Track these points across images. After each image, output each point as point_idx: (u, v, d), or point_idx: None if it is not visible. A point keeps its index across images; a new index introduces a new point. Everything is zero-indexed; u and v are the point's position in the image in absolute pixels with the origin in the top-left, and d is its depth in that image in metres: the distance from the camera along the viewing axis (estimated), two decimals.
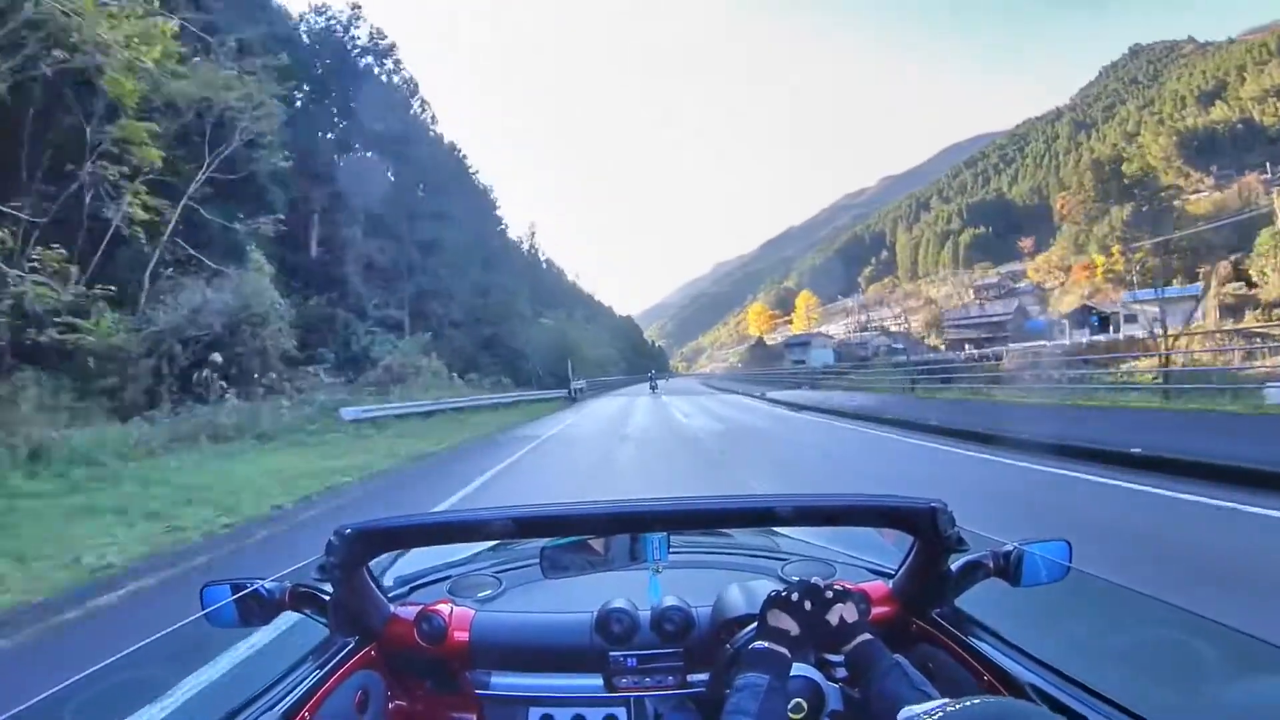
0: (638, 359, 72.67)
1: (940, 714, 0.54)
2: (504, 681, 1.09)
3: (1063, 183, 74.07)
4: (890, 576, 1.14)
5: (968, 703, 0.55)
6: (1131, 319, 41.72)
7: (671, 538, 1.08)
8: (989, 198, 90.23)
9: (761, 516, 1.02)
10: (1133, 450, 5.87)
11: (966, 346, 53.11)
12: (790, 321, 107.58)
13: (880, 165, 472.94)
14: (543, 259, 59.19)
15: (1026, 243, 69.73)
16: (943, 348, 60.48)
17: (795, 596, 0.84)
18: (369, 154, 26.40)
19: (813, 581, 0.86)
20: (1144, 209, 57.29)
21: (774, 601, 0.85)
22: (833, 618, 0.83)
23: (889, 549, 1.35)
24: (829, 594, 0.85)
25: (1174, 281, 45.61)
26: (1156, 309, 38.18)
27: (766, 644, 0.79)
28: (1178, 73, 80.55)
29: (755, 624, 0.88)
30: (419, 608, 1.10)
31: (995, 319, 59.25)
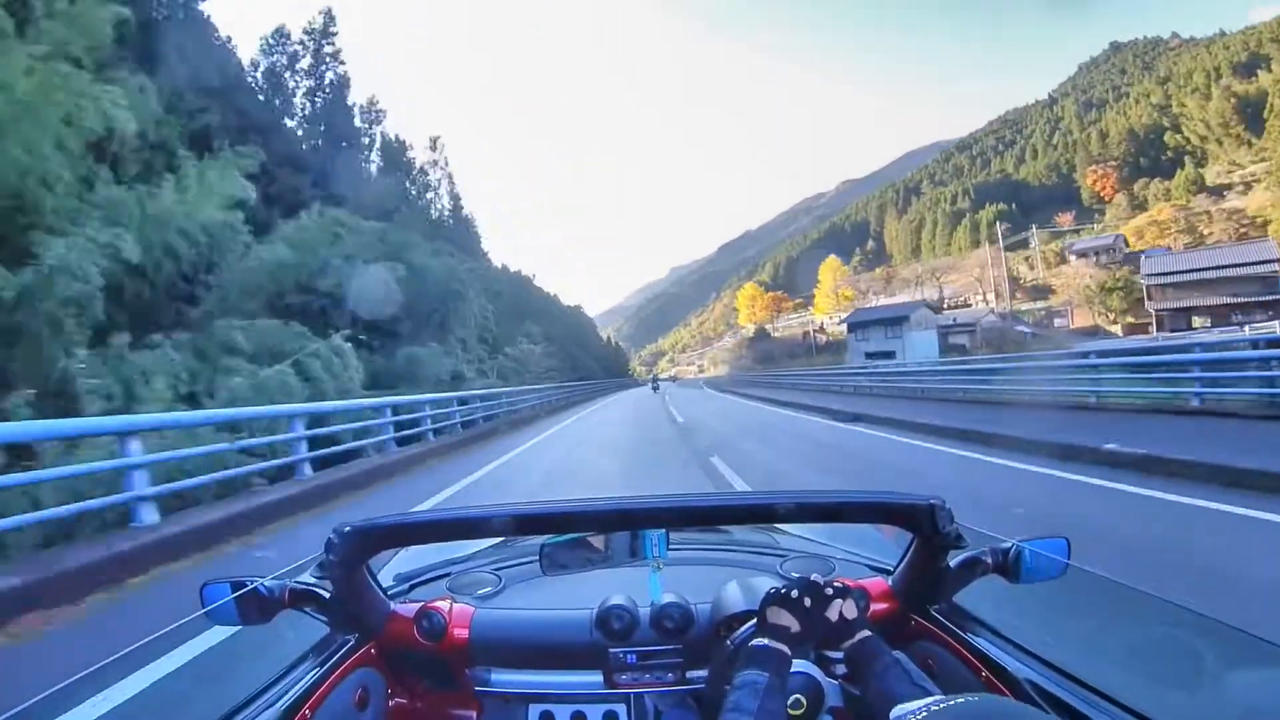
0: (592, 361, 55.96)
1: (925, 713, 0.54)
2: (504, 678, 1.08)
3: (1092, 156, 65.21)
4: (889, 573, 1.13)
5: (955, 701, 0.56)
6: None
7: (671, 535, 1.07)
8: (993, 179, 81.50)
9: (761, 513, 1.02)
10: None
11: (1197, 321, 33.60)
12: (808, 304, 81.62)
13: (839, 170, 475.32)
14: (394, 138, 33.53)
15: (1065, 218, 60.39)
16: (1120, 330, 41.40)
17: (795, 593, 0.83)
18: None
19: (812, 578, 0.86)
20: None
21: (773, 598, 0.84)
22: (832, 614, 0.83)
23: (888, 545, 1.33)
24: (828, 590, 0.84)
25: None
26: None
27: (766, 641, 0.79)
28: (1177, 60, 74.27)
29: (754, 621, 0.88)
30: (419, 605, 1.09)
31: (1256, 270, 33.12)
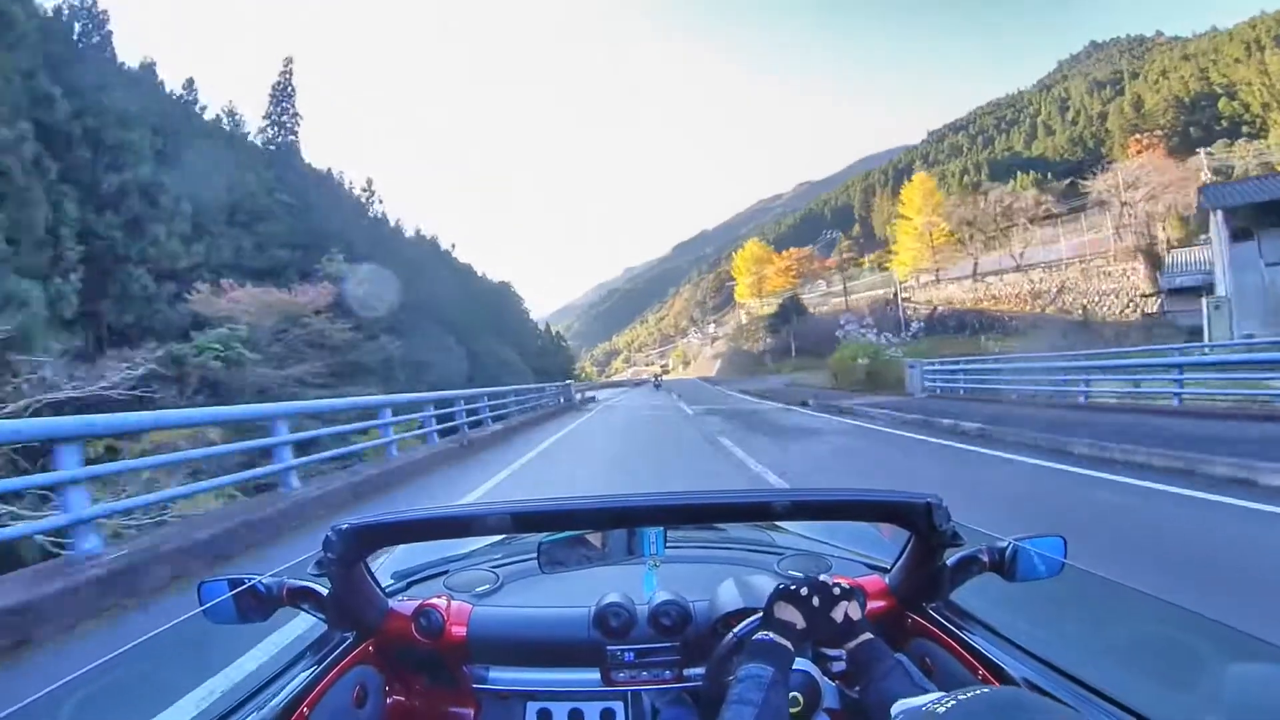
0: (514, 354, 39.40)
1: (952, 701, 0.52)
2: (502, 676, 1.08)
3: (1134, 126, 57.07)
4: (886, 571, 1.13)
5: (976, 691, 0.54)
6: None
7: (668, 532, 1.06)
8: (1000, 156, 72.96)
9: (759, 511, 1.02)
10: None
11: None
12: (846, 266, 54.89)
13: (796, 173, 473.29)
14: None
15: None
16: None
17: (804, 591, 0.84)
18: None
19: (820, 578, 0.86)
20: None
21: (781, 594, 0.84)
22: (838, 615, 0.83)
23: (885, 543, 1.32)
24: (836, 590, 0.84)
25: None
26: None
27: (770, 635, 0.79)
28: (1187, 46, 67.96)
29: (758, 615, 0.88)
30: (416, 603, 1.09)
31: None
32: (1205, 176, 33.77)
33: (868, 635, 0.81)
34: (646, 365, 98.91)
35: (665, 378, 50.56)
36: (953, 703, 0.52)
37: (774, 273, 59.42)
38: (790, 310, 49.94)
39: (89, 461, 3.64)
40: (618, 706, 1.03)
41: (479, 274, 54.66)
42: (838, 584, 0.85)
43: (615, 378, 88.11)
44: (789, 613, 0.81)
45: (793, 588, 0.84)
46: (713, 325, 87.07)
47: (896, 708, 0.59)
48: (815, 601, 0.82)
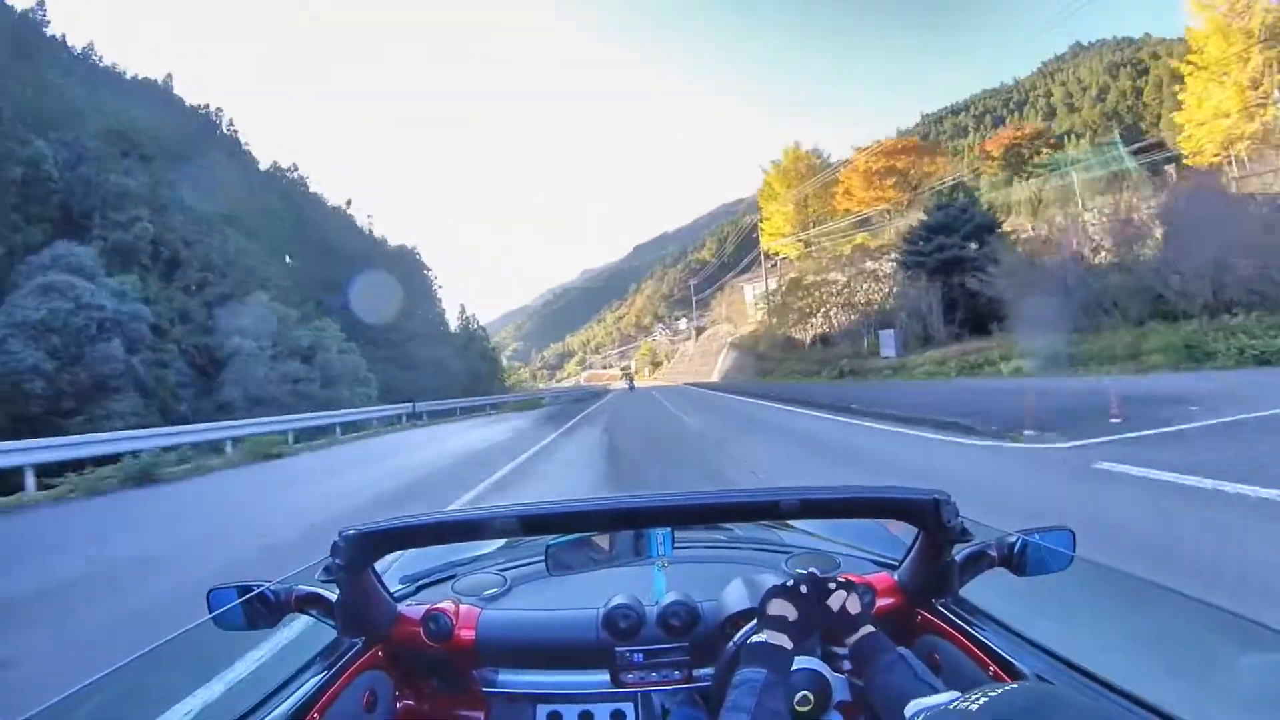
0: (347, 344, 25.23)
1: (984, 698, 0.50)
2: (511, 679, 1.09)
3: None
4: (895, 568, 1.13)
5: (1005, 688, 0.52)
6: None
7: (676, 532, 1.07)
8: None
9: (766, 510, 1.03)
10: None
11: None
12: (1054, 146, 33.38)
13: (758, 179, 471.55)
14: None
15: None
16: None
17: (791, 583, 0.84)
18: None
19: (810, 571, 0.87)
20: None
21: (771, 592, 0.85)
22: (833, 604, 0.83)
23: (893, 540, 1.33)
24: (831, 585, 0.85)
25: None
26: None
27: (764, 637, 0.79)
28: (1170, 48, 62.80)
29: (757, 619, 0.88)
30: (425, 607, 1.09)
31: None
32: None
33: (869, 628, 0.81)
34: (605, 368, 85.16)
35: (636, 384, 40.74)
36: (984, 699, 0.49)
37: (857, 182, 31.39)
38: (969, 223, 20.70)
39: None
40: (628, 708, 1.04)
41: (370, 233, 39.72)
42: (832, 579, 0.85)
43: (563, 383, 73.80)
44: (780, 607, 0.81)
45: (784, 584, 0.84)
46: (684, 321, 74.66)
47: (911, 708, 0.59)
48: (803, 589, 0.82)
